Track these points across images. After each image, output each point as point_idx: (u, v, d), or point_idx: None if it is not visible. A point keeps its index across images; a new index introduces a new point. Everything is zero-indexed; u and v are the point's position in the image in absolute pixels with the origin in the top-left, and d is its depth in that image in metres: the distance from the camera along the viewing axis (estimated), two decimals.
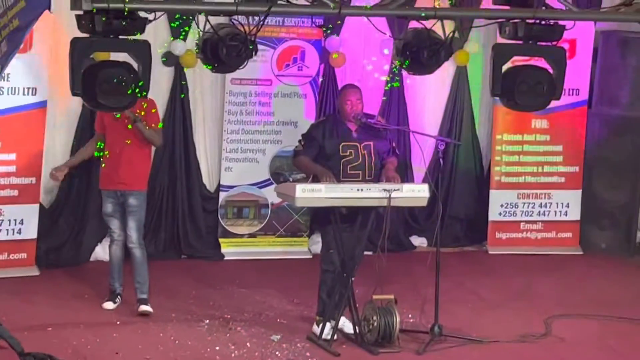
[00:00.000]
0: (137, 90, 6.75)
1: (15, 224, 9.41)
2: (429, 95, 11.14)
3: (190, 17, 8.96)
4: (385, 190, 7.77)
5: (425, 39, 7.63)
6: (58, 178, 8.82)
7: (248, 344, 7.97)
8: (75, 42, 6.72)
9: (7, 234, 9.37)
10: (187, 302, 8.95)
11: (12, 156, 9.36)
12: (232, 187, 10.50)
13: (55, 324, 8.23)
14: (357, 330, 7.96)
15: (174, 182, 10.28)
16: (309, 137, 8.17)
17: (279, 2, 7.25)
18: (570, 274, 10.47)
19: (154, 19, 6.95)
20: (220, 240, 10.53)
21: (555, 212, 11.27)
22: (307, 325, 8.35)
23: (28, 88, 9.31)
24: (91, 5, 6.55)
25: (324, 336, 7.94)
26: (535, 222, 11.26)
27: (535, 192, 11.24)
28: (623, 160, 11.18)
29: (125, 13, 6.67)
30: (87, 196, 9.91)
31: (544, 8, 7.67)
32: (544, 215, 11.26)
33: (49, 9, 6.74)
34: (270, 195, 10.14)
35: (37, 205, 9.52)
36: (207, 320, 8.46)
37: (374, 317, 7.90)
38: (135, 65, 6.90)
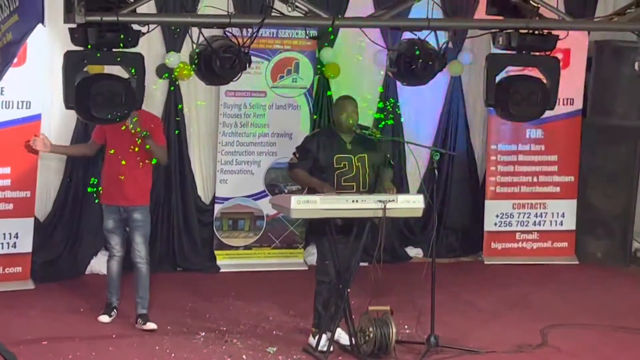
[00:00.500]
0: (131, 102, 6.75)
1: (10, 238, 9.38)
2: (423, 106, 11.14)
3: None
4: (380, 201, 7.76)
5: (418, 50, 7.63)
6: (33, 145, 8.82)
7: (244, 356, 7.95)
8: (68, 55, 6.73)
9: (2, 248, 9.35)
10: (183, 314, 8.93)
11: (7, 170, 9.34)
12: (227, 199, 10.50)
13: (51, 337, 8.21)
14: (353, 342, 7.95)
15: (169, 195, 10.26)
16: (303, 150, 8.17)
17: (272, 14, 7.24)
18: (566, 283, 10.47)
19: (148, 31, 6.95)
20: (216, 252, 10.51)
21: (551, 222, 11.27)
22: (303, 337, 8.34)
23: (22, 101, 9.30)
24: (84, 18, 6.56)
25: (320, 348, 7.93)
26: (530, 232, 11.26)
27: (531, 202, 11.24)
28: (618, 170, 11.19)
29: (118, 26, 6.66)
30: (82, 209, 9.90)
31: (537, 18, 7.68)
32: (540, 225, 11.25)
33: (42, 23, 6.75)
34: (266, 207, 10.13)
35: (32, 219, 9.50)
36: (203, 333, 8.44)
37: (370, 329, 7.89)
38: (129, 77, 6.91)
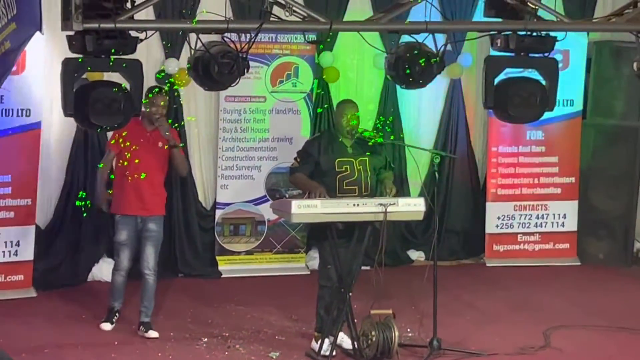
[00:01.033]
0: (129, 109, 6.73)
1: (12, 246, 9.38)
2: (423, 109, 11.14)
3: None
4: (381, 204, 7.75)
5: (416, 53, 7.61)
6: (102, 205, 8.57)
7: None
8: (66, 62, 6.71)
9: (4, 256, 9.34)
10: (185, 321, 8.91)
11: (7, 178, 9.33)
12: (228, 204, 10.48)
13: (53, 345, 8.20)
14: (356, 346, 7.93)
15: (169, 201, 10.14)
16: (304, 154, 8.16)
17: (270, 18, 7.23)
18: (568, 284, 10.45)
19: (145, 38, 6.93)
20: (217, 258, 10.50)
21: (552, 223, 11.26)
22: (305, 342, 8.32)
23: (22, 109, 9.29)
24: (82, 25, 6.54)
25: (322, 352, 7.91)
26: (532, 233, 11.25)
27: (532, 204, 11.23)
28: (619, 170, 11.18)
29: (116, 33, 6.65)
30: (81, 222, 9.83)
31: (535, 20, 7.66)
32: (541, 226, 11.24)
33: (40, 31, 6.73)
34: (267, 212, 10.11)
35: (33, 227, 9.49)
36: (206, 339, 8.43)
37: (373, 332, 7.87)
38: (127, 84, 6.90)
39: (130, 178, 8.30)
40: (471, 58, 10.97)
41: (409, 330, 8.64)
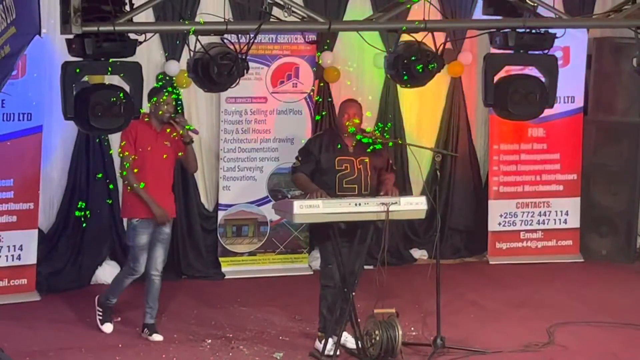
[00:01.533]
0: (130, 112, 6.73)
1: (15, 250, 9.37)
2: (424, 108, 11.13)
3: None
4: (383, 204, 7.74)
5: (416, 51, 7.61)
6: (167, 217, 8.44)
7: None
8: (65, 66, 6.70)
9: (7, 260, 9.33)
10: (189, 322, 8.91)
11: (10, 182, 9.33)
12: (230, 205, 10.48)
13: (58, 348, 8.20)
14: (360, 345, 7.93)
15: None
16: (305, 152, 8.18)
17: (269, 19, 7.22)
18: (571, 281, 10.45)
19: (144, 40, 6.93)
20: (220, 259, 10.50)
21: (555, 220, 11.24)
22: (309, 342, 8.33)
23: (23, 113, 9.29)
24: (81, 29, 6.54)
25: (326, 352, 7.91)
26: (535, 231, 11.23)
27: (534, 201, 11.22)
28: (621, 167, 11.17)
29: (115, 35, 6.65)
30: (86, 219, 9.87)
31: (534, 17, 7.66)
32: (544, 223, 11.23)
33: (39, 34, 6.73)
34: (269, 212, 10.10)
35: (35, 231, 9.49)
36: (210, 340, 8.43)
37: (376, 332, 7.87)
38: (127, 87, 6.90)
39: (147, 181, 8.23)
40: (471, 56, 10.95)
41: (412, 329, 8.64)
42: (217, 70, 7.02)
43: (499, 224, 11.17)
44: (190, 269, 10.41)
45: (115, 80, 7.26)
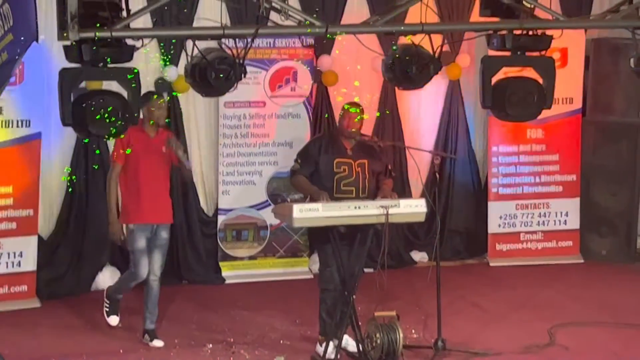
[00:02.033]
0: (128, 118, 6.72)
1: (15, 257, 9.36)
2: (423, 110, 11.13)
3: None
4: (382, 206, 7.73)
5: (413, 54, 7.60)
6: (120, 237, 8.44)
7: None
8: (63, 72, 6.71)
9: (7, 267, 9.33)
10: (190, 327, 8.91)
11: (9, 189, 9.32)
12: (230, 210, 10.47)
13: (59, 354, 8.20)
14: (361, 348, 7.91)
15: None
16: (305, 154, 8.18)
17: (267, 23, 7.23)
18: (572, 282, 10.44)
19: (142, 46, 6.93)
20: (221, 263, 10.49)
21: (555, 221, 11.23)
22: (310, 345, 8.32)
23: (22, 120, 9.28)
24: (78, 35, 6.54)
25: (327, 355, 7.89)
26: (535, 232, 11.22)
27: (534, 202, 11.21)
28: (620, 167, 11.16)
29: (113, 41, 6.65)
30: (86, 226, 9.87)
31: (531, 18, 7.66)
32: (544, 224, 11.22)
33: (37, 41, 6.73)
34: (269, 217, 10.07)
35: (35, 237, 9.48)
36: (210, 345, 8.42)
37: (377, 335, 7.86)
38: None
39: (140, 185, 8.24)
40: (469, 59, 10.94)
41: (413, 331, 8.63)
42: (215, 75, 7.02)
43: (499, 225, 11.16)
44: (191, 274, 10.40)
45: (113, 86, 7.25)
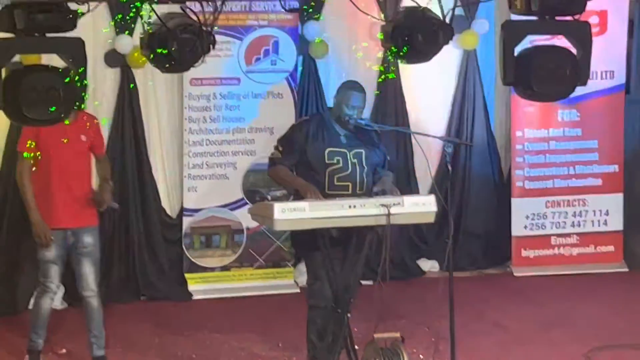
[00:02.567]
0: (71, 98, 6.69)
1: None
2: (431, 88, 11.17)
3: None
4: (383, 205, 7.73)
5: (419, 19, 7.61)
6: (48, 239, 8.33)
7: None
8: None
9: None
10: (149, 352, 8.94)
11: None
12: (197, 210, 10.52)
13: None
14: None
15: (125, 208, 10.21)
16: (288, 141, 8.12)
17: None
18: (614, 295, 10.51)
19: (88, 11, 6.91)
20: (187, 275, 10.55)
21: (593, 221, 11.30)
22: None
23: None
24: None
25: None
26: (568, 235, 11.30)
27: (567, 199, 11.28)
28: None
29: (52, 6, 6.63)
30: (21, 238, 9.82)
31: None
32: (579, 226, 11.29)
33: None
34: (245, 218, 10.13)
35: None
36: None
37: None
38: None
39: (49, 184, 8.20)
40: (488, 24, 10.98)
41: (421, 357, 8.69)
42: (177, 46, 7.02)
43: (525, 227, 11.23)
44: (150, 289, 10.45)
45: (53, 60, 7.24)
